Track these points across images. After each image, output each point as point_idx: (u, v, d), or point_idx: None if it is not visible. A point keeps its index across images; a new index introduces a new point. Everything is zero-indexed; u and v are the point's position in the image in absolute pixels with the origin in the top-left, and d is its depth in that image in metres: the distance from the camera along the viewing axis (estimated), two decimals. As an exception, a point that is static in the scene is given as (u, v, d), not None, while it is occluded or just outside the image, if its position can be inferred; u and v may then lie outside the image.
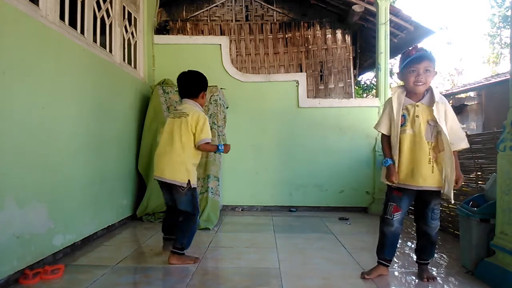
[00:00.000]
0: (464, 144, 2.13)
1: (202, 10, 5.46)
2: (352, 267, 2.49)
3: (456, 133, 2.11)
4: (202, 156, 3.99)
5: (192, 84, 2.63)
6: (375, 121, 4.87)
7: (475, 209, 2.38)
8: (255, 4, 5.48)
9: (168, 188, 2.57)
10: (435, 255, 2.79)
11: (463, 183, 3.26)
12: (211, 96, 4.17)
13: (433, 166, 2.11)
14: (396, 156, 2.17)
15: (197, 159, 2.63)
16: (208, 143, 2.53)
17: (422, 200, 2.21)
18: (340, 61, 5.38)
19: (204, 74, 2.71)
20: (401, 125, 2.16)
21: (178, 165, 2.50)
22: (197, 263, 2.53)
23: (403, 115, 2.17)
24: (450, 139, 2.07)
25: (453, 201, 2.15)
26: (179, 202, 2.53)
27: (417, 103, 2.15)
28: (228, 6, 5.47)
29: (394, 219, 2.22)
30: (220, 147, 2.60)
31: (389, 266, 2.32)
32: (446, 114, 2.12)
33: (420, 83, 2.11)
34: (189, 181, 2.50)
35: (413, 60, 2.09)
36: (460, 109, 12.90)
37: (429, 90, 2.18)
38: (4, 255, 2.03)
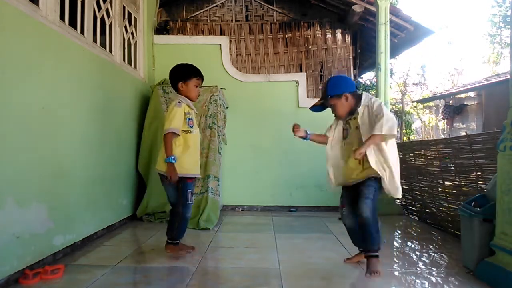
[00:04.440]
0: (381, 131, 2.20)
1: (202, 10, 5.45)
2: (352, 267, 2.49)
3: (378, 121, 2.23)
4: (202, 156, 4.00)
5: (170, 79, 2.70)
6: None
7: (478, 209, 2.37)
8: (255, 4, 5.48)
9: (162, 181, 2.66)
10: (435, 255, 2.80)
11: (463, 183, 3.27)
12: (211, 96, 4.17)
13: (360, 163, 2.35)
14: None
15: (181, 147, 2.56)
16: (169, 134, 2.48)
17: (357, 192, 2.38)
18: (340, 61, 5.38)
19: (186, 64, 2.73)
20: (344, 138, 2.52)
21: (160, 155, 2.60)
22: (197, 262, 2.53)
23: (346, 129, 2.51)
24: (374, 128, 2.24)
25: (396, 196, 2.34)
26: (166, 191, 2.67)
27: (348, 120, 2.49)
28: (228, 6, 5.47)
29: (343, 213, 2.50)
30: (170, 159, 2.46)
31: (363, 252, 2.42)
32: (371, 110, 2.31)
33: (337, 115, 2.51)
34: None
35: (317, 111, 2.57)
36: (460, 109, 12.90)
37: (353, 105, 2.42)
38: (4, 255, 2.02)
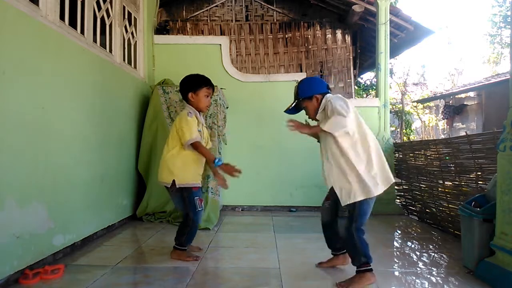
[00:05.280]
0: (327, 127, 2.12)
1: (202, 10, 5.46)
2: (352, 267, 2.48)
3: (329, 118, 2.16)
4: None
5: (180, 90, 2.68)
6: (375, 121, 4.84)
7: (478, 209, 2.37)
8: (255, 4, 5.48)
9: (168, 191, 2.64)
10: (435, 255, 2.80)
11: (463, 183, 3.27)
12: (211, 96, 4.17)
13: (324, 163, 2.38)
14: None
15: (185, 158, 2.56)
16: (197, 144, 2.49)
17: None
18: (340, 61, 5.38)
19: (196, 74, 2.66)
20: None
21: (162, 166, 2.59)
22: (197, 262, 2.53)
23: None
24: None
25: (378, 192, 2.11)
26: (173, 201, 2.68)
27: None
28: (228, 6, 5.47)
29: (323, 206, 2.58)
30: (217, 161, 2.49)
31: (335, 254, 2.49)
32: (327, 110, 2.21)
33: (309, 117, 2.44)
34: (173, 181, 2.52)
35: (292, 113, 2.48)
36: (460, 109, 12.90)
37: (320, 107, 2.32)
38: (4, 255, 2.02)
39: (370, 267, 2.14)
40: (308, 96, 2.35)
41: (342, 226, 2.23)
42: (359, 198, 2.11)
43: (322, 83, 2.41)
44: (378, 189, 2.12)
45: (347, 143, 2.15)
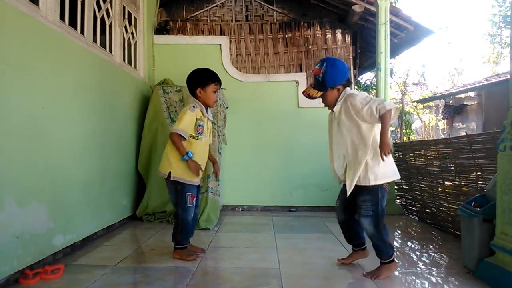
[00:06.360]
0: (393, 118, 2.21)
1: (202, 10, 5.45)
2: (352, 267, 2.49)
3: (369, 108, 2.21)
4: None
5: (187, 85, 2.66)
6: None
7: (478, 209, 2.37)
8: (255, 4, 5.47)
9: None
10: (435, 255, 2.80)
11: (463, 183, 3.27)
12: (211, 96, 4.17)
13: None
14: None
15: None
16: (175, 134, 2.46)
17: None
18: (340, 61, 5.38)
19: (204, 69, 2.65)
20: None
21: (163, 157, 2.60)
22: (197, 262, 2.53)
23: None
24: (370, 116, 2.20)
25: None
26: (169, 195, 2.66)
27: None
28: (228, 6, 5.47)
29: (336, 206, 2.52)
30: (185, 158, 2.47)
31: (355, 249, 2.55)
32: (352, 109, 2.22)
33: (326, 104, 2.38)
34: (170, 173, 2.51)
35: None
36: (460, 109, 12.89)
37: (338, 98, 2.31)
38: (4, 255, 2.02)
39: (394, 257, 2.31)
40: (334, 86, 2.28)
41: (366, 224, 2.25)
42: (380, 181, 2.20)
43: (346, 69, 2.33)
44: (394, 175, 2.29)
45: (372, 133, 2.21)
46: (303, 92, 2.39)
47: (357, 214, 2.33)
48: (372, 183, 2.19)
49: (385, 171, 2.22)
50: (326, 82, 2.26)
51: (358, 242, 2.52)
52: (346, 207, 2.43)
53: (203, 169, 2.65)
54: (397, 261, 2.69)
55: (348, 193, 2.25)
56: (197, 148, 2.57)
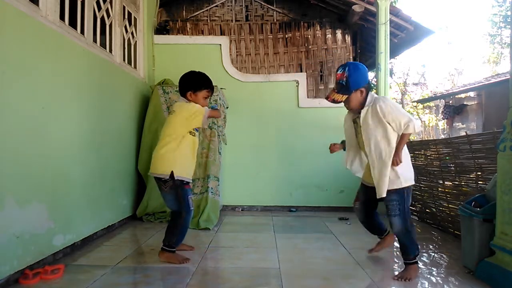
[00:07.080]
0: (417, 130, 2.33)
1: (202, 10, 5.45)
2: (352, 267, 2.49)
3: (398, 121, 2.32)
4: (202, 156, 4.01)
5: (179, 85, 2.61)
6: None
7: (478, 209, 2.37)
8: (255, 4, 5.47)
9: (158, 184, 2.57)
10: (435, 255, 2.80)
11: (463, 183, 3.27)
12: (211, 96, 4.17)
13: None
14: None
15: (184, 151, 2.52)
16: (205, 116, 2.52)
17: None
18: (340, 61, 5.36)
19: (199, 73, 2.61)
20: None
21: (158, 158, 2.51)
22: (197, 262, 2.53)
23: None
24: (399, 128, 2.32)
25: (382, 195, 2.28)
26: (164, 199, 2.62)
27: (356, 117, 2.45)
28: (228, 6, 5.47)
29: (355, 207, 2.67)
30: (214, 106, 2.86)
31: (381, 237, 2.73)
32: (380, 113, 2.28)
33: (350, 108, 2.43)
34: (172, 172, 2.44)
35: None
36: (460, 109, 12.88)
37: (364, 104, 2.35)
38: (4, 255, 2.03)
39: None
40: (358, 88, 2.32)
41: (395, 226, 2.31)
42: (405, 184, 2.28)
43: (367, 72, 2.42)
44: (413, 180, 2.38)
45: (396, 138, 2.29)
46: (327, 98, 2.41)
47: (376, 210, 2.57)
48: (404, 185, 2.28)
49: (411, 175, 2.36)
50: (351, 85, 2.30)
51: (381, 230, 2.72)
52: (367, 207, 2.61)
53: (194, 164, 2.68)
54: (397, 261, 2.70)
55: (379, 196, 2.29)
56: (194, 144, 2.59)
